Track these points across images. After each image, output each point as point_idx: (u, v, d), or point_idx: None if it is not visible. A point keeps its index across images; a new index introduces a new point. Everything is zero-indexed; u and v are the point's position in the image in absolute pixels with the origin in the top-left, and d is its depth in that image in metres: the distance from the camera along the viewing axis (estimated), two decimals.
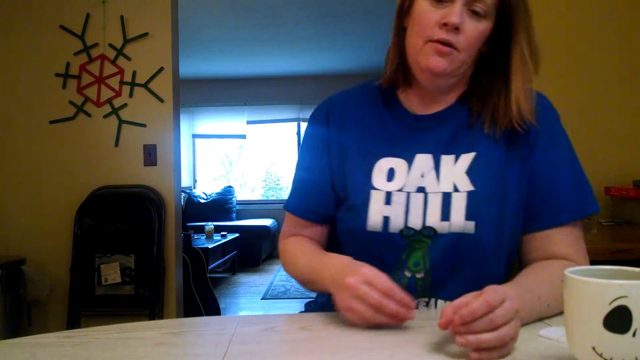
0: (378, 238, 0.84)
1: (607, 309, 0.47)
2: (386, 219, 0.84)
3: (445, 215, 0.82)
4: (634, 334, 0.47)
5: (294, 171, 1.01)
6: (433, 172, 0.86)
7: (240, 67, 6.27)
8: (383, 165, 0.88)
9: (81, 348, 0.66)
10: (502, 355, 0.58)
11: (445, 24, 0.79)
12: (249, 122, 6.83)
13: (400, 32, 0.89)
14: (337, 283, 0.75)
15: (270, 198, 7.18)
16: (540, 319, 0.73)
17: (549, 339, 0.63)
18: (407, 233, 0.84)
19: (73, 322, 2.61)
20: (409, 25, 0.86)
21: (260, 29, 4.83)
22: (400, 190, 0.85)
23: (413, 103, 0.92)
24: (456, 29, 0.79)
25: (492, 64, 0.87)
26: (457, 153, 0.86)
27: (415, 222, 0.83)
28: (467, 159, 0.85)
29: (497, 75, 0.86)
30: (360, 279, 0.70)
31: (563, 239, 0.83)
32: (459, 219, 0.82)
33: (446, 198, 0.83)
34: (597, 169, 2.42)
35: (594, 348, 0.49)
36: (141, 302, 2.60)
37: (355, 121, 0.93)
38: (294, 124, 6.86)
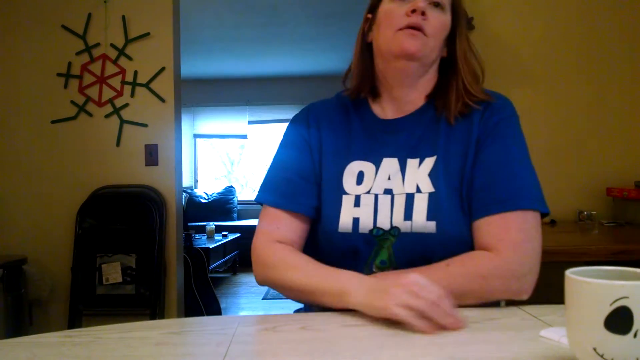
0: (349, 238, 0.90)
1: (609, 309, 0.47)
2: (356, 220, 0.90)
3: (408, 215, 0.87)
4: (635, 335, 0.46)
5: (270, 166, 1.01)
6: (399, 175, 0.91)
7: (242, 67, 6.27)
8: (354, 168, 0.94)
9: (82, 347, 0.66)
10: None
11: (413, 11, 0.88)
12: (250, 122, 6.83)
13: (364, 48, 0.99)
14: (379, 288, 0.74)
15: None
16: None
17: (550, 339, 0.63)
18: (377, 233, 0.89)
19: (74, 321, 2.61)
20: (375, 32, 0.95)
21: (261, 28, 4.83)
22: (368, 192, 0.91)
23: (383, 109, 0.98)
24: (423, 14, 0.88)
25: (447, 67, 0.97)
26: (422, 157, 0.91)
27: (384, 223, 0.89)
28: (430, 162, 0.90)
29: (450, 72, 0.95)
30: (415, 279, 0.71)
31: (490, 230, 0.84)
32: (420, 219, 0.86)
33: (409, 199, 0.88)
34: (599, 170, 2.42)
35: (595, 349, 0.48)
36: (142, 302, 2.60)
37: (329, 127, 0.99)
38: None
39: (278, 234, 0.93)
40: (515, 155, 0.88)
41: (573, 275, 0.51)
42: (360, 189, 0.92)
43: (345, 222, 0.90)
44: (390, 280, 0.73)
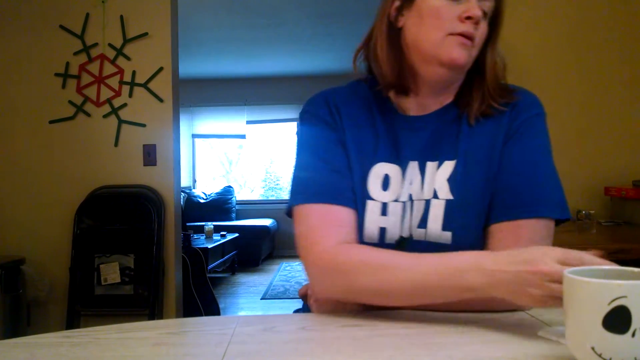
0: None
1: (607, 309, 0.47)
2: (382, 230, 0.84)
3: (423, 222, 0.83)
4: (633, 334, 0.47)
5: (301, 167, 0.88)
6: (419, 178, 0.85)
7: (240, 67, 6.27)
8: (379, 171, 0.87)
9: (80, 348, 0.66)
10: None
11: (469, 17, 0.80)
12: (248, 122, 6.83)
13: (393, 35, 0.87)
14: (515, 280, 0.64)
15: (269, 198, 7.18)
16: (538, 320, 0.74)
17: (549, 339, 0.63)
18: (400, 241, 0.85)
19: (72, 322, 2.61)
20: (411, 22, 0.85)
21: (260, 28, 4.83)
22: (396, 200, 0.85)
23: (406, 105, 0.90)
24: (476, 23, 0.81)
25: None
26: (441, 160, 0.85)
27: (406, 231, 0.84)
28: (449, 166, 0.84)
29: (476, 76, 0.88)
30: (554, 258, 0.62)
31: (501, 237, 0.79)
32: (435, 228, 0.82)
33: (426, 205, 0.83)
34: (597, 169, 2.42)
35: (593, 348, 0.49)
36: (140, 302, 2.60)
37: (352, 123, 0.89)
38: (293, 124, 6.85)
39: (342, 234, 0.82)
40: (535, 158, 0.83)
41: (571, 275, 0.51)
42: (387, 196, 0.85)
43: (371, 230, 0.84)
44: (521, 267, 0.63)
